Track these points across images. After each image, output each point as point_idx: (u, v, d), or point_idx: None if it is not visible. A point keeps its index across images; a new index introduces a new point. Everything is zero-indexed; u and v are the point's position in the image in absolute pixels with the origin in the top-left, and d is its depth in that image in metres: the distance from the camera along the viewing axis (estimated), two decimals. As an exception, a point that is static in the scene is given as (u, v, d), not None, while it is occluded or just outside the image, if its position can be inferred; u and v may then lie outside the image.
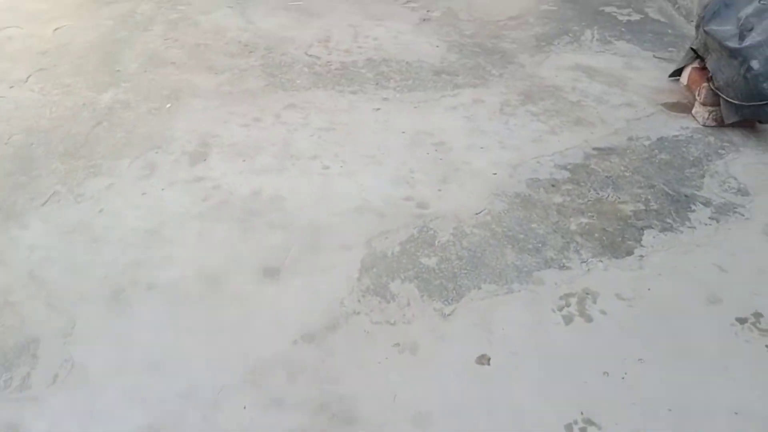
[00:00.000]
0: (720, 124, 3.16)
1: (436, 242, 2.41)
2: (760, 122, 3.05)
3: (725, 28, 3.02)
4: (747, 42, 2.87)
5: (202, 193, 2.65)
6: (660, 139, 3.09)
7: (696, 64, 3.40)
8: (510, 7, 4.66)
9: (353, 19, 4.35)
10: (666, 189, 2.72)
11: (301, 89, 3.46)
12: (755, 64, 2.83)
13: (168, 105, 3.27)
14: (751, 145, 3.04)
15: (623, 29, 4.31)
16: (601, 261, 2.33)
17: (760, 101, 2.87)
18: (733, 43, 2.93)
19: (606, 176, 2.81)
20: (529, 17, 4.50)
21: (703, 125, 3.19)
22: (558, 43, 4.09)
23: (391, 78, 3.59)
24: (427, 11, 4.53)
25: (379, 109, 3.29)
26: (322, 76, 3.59)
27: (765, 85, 2.83)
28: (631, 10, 4.66)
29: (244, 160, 2.86)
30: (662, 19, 4.49)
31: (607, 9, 4.66)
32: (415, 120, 3.20)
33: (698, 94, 3.21)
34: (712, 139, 3.09)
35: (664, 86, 3.57)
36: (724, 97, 3.02)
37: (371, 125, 3.16)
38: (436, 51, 3.94)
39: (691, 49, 3.36)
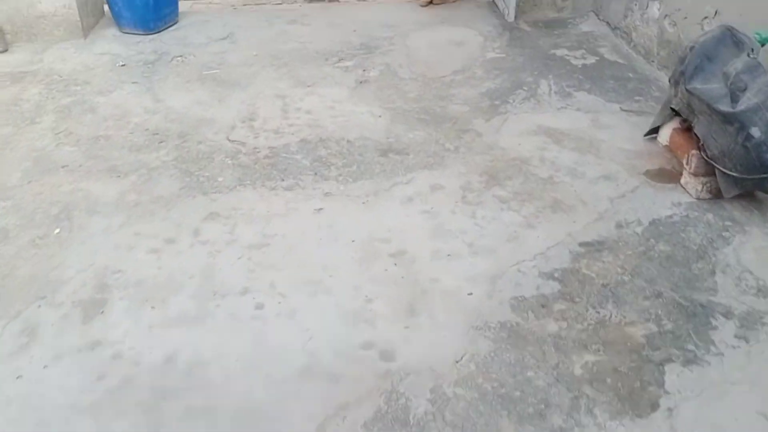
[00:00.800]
0: (716, 196, 2.74)
1: (411, 417, 1.85)
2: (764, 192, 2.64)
3: (712, 87, 2.61)
4: (743, 105, 2.45)
5: (97, 369, 2.01)
6: (653, 223, 2.64)
7: (676, 124, 2.99)
8: (453, 58, 4.19)
9: (281, 87, 3.79)
10: (676, 297, 2.26)
11: (225, 190, 2.86)
12: (756, 131, 2.41)
13: (57, 230, 2.62)
14: (756, 222, 2.63)
15: (580, 76, 3.90)
16: (623, 425, 1.82)
17: (765, 173, 2.45)
18: (725, 107, 2.52)
19: (602, 284, 2.33)
20: (475, 69, 4.04)
21: (697, 198, 2.76)
22: (513, 101, 3.63)
23: (331, 164, 3.04)
24: (363, 71, 4.01)
25: (321, 209, 2.73)
26: (249, 169, 3.00)
27: (770, 156, 2.41)
28: (584, 51, 4.27)
29: (153, 307, 2.24)
30: (620, 60, 4.11)
31: (558, 52, 4.26)
32: (365, 221, 2.65)
33: (687, 163, 2.78)
34: (710, 217, 2.66)
35: (641, 148, 3.15)
36: (720, 168, 2.60)
37: (313, 234, 2.59)
38: (380, 123, 3.41)
39: (672, 109, 2.94)
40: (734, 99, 2.48)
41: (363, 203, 2.77)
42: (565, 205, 2.75)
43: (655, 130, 3.16)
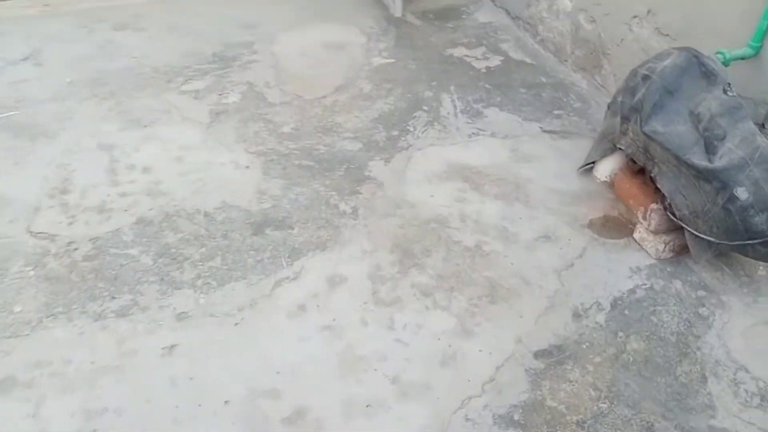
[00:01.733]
0: (679, 254, 2.21)
1: None
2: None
3: (677, 130, 2.03)
4: (724, 160, 1.89)
5: None
6: (616, 305, 2.06)
7: (622, 163, 2.42)
8: (332, 68, 3.39)
9: (107, 132, 2.81)
10: (671, 429, 1.69)
11: (24, 329, 1.94)
12: (742, 192, 1.87)
13: None
14: (730, 287, 2.13)
15: (487, 85, 3.25)
16: None
17: (751, 239, 1.92)
18: (699, 159, 1.95)
19: (577, 422, 1.72)
20: (362, 82, 3.26)
21: (658, 259, 2.21)
22: (414, 127, 2.92)
23: (184, 259, 2.18)
24: (220, 95, 3.11)
25: (173, 347, 1.89)
26: (62, 283, 2.08)
27: (758, 219, 1.88)
28: (485, 49, 3.61)
29: None
30: (528, 60, 3.50)
31: (456, 52, 3.57)
32: (241, 361, 1.86)
33: (645, 219, 2.22)
34: (679, 286, 2.13)
35: (576, 187, 2.56)
36: (691, 230, 2.05)
37: (165, 400, 1.76)
38: (248, 177, 2.57)
39: (616, 146, 2.36)
40: (710, 149, 1.92)
41: (235, 325, 1.96)
42: (503, 289, 2.11)
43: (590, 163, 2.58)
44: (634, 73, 2.18)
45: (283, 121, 2.95)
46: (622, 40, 2.93)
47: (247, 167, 2.64)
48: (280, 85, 3.22)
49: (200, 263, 2.17)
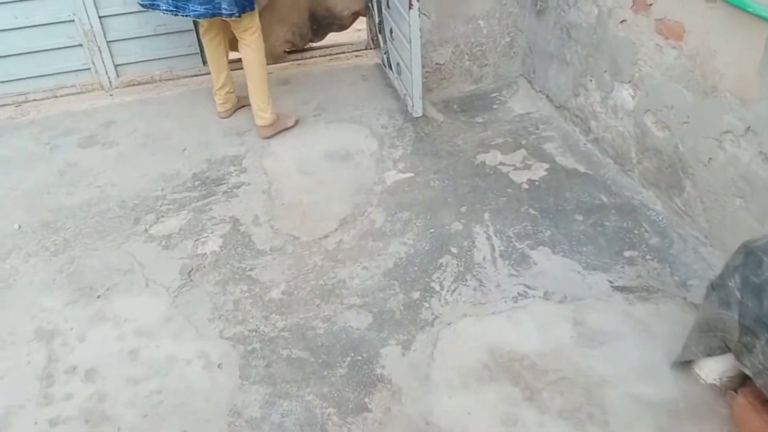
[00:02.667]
0: None
1: None
2: None
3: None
4: None
5: None
6: None
7: (743, 379, 1.70)
8: (337, 191, 2.75)
9: (49, 309, 2.22)
10: None
11: None
12: None
13: None
14: None
15: (532, 210, 2.57)
16: None
17: None
18: None
19: None
20: (372, 211, 2.61)
21: None
22: (441, 285, 2.25)
23: None
24: (196, 240, 2.49)
25: None
26: None
27: None
28: (525, 152, 2.93)
29: None
30: (581, 168, 2.81)
31: (489, 159, 2.90)
32: None
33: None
34: None
35: (670, 393, 1.85)
36: None
37: None
38: (221, 386, 1.93)
39: (728, 347, 1.64)
40: None
41: None
42: None
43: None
44: (758, 260, 1.47)
45: (272, 279, 2.30)
46: (711, 159, 2.22)
47: (220, 365, 1.99)
48: (271, 220, 2.59)
49: None
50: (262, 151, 3.01)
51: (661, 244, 2.36)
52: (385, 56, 3.36)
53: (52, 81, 3.36)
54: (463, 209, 2.61)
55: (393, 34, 3.07)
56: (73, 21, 3.20)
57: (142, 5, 2.71)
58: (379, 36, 3.35)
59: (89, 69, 3.36)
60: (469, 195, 2.68)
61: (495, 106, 3.27)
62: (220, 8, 2.59)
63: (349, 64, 3.77)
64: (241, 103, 3.25)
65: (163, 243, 2.49)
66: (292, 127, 3.10)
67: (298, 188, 2.77)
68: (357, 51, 3.82)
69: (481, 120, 3.17)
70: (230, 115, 3.23)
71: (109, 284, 2.31)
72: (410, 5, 2.67)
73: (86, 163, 2.96)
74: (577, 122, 2.99)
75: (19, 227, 2.59)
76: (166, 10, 2.64)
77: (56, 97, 3.41)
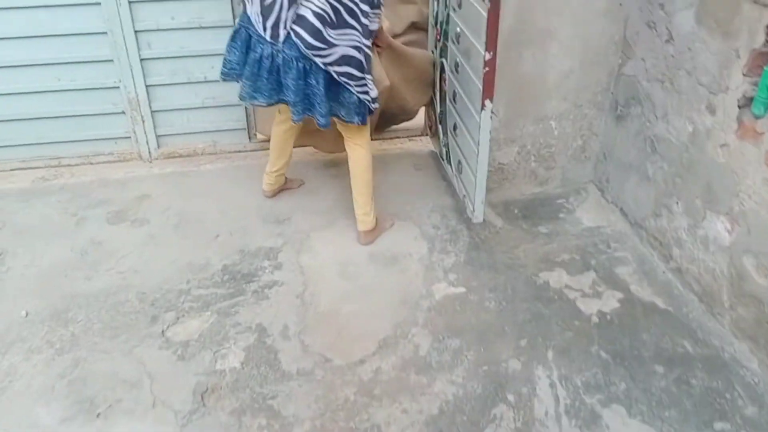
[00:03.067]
0: None
1: None
2: None
3: None
4: None
5: None
6: None
7: None
8: (378, 302, 2.44)
9: (43, 425, 1.93)
10: None
11: None
12: None
13: None
14: None
15: (603, 353, 2.21)
16: None
17: None
18: None
19: None
20: (416, 333, 2.30)
21: None
22: (494, 442, 1.88)
23: None
24: (215, 352, 2.20)
25: None
26: None
27: None
28: (594, 276, 2.58)
29: None
30: (659, 302, 2.44)
31: (553, 279, 2.57)
32: None
33: None
34: None
35: None
36: None
37: None
38: None
39: None
40: None
41: None
42: None
43: None
44: None
45: (296, 414, 1.98)
46: (832, 325, 1.84)
47: None
48: (303, 332, 2.29)
49: None
50: (300, 244, 2.74)
51: (759, 416, 1.96)
52: (444, 149, 3.09)
53: (89, 147, 3.19)
54: (523, 343, 2.26)
55: (457, 130, 2.80)
56: (118, 88, 3.04)
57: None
58: (439, 127, 3.09)
59: (129, 137, 3.19)
60: (529, 324, 2.34)
61: (561, 215, 2.94)
62: (338, 115, 2.44)
63: (402, 150, 3.52)
64: (287, 186, 3.02)
65: (179, 351, 2.20)
66: (388, 229, 2.84)
67: (337, 294, 2.47)
68: (411, 136, 3.58)
69: (545, 230, 2.85)
70: (274, 195, 3.00)
71: (112, 400, 2.02)
72: (482, 106, 2.40)
73: (112, 242, 2.73)
74: (656, 246, 2.63)
75: (27, 314, 2.35)
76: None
77: (91, 164, 3.23)
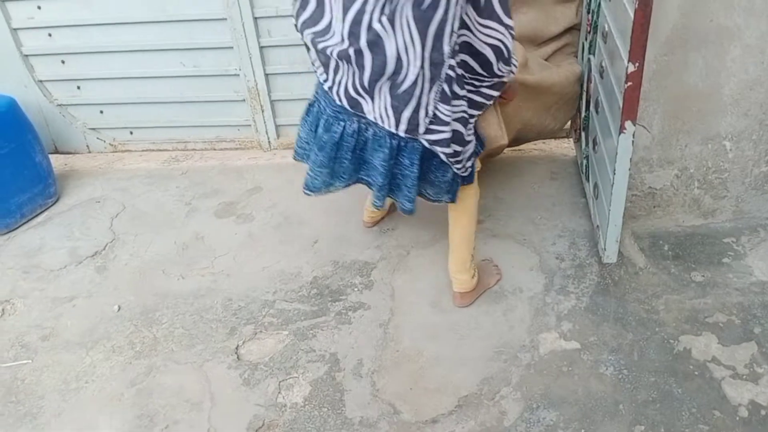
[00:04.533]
0: None
1: None
2: None
3: None
4: None
5: None
6: None
7: None
8: (469, 347, 2.11)
9: (98, 439, 1.93)
10: None
11: None
12: None
13: None
14: None
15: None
16: None
17: None
18: None
19: None
20: (507, 396, 1.94)
21: None
22: None
23: None
24: (281, 382, 2.04)
25: None
26: None
27: None
28: (755, 351, 2.00)
29: None
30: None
31: (697, 348, 2.05)
32: None
33: None
34: None
35: None
36: None
37: None
38: None
39: None
40: None
41: None
42: None
43: None
44: None
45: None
46: None
47: None
48: (376, 372, 2.05)
49: None
50: (398, 261, 2.47)
51: None
52: (584, 161, 2.60)
53: (213, 132, 3.17)
54: (638, 431, 1.80)
55: (596, 147, 2.31)
56: (238, 75, 2.95)
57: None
58: (582, 134, 2.59)
59: (250, 126, 3.11)
60: (652, 406, 1.86)
61: (726, 260, 2.33)
62: (424, 195, 2.05)
63: (540, 152, 3.05)
64: (391, 210, 2.69)
65: (246, 374, 2.08)
66: (493, 286, 2.32)
67: (423, 329, 2.18)
68: (554, 136, 3.08)
69: (700, 277, 2.27)
70: (375, 225, 2.67)
71: (170, 420, 1.96)
72: (622, 128, 1.91)
73: (214, 238, 2.68)
74: None
75: (119, 309, 2.38)
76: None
77: (214, 149, 3.22)
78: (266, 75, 2.93)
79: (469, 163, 1.94)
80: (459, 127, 1.80)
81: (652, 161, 2.33)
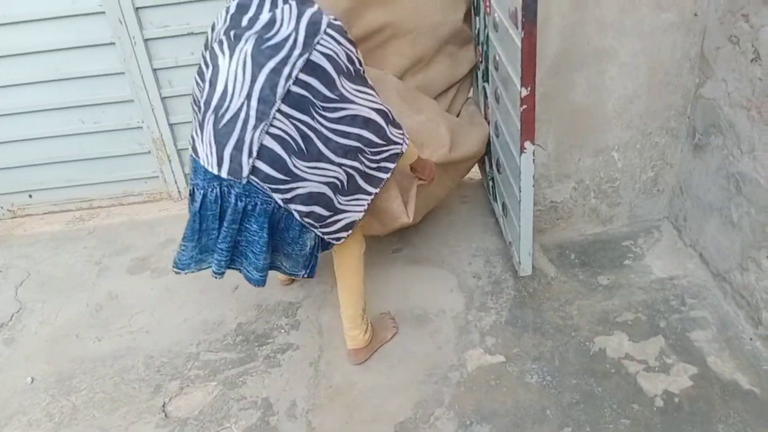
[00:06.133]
0: None
1: None
2: None
3: None
4: None
5: None
6: None
7: None
8: (401, 375, 2.14)
9: None
10: None
11: None
12: None
13: None
14: None
15: (668, 449, 1.78)
16: None
17: None
18: None
19: None
20: (439, 416, 1.98)
21: None
22: None
23: None
24: (215, 435, 1.98)
25: None
26: None
27: None
28: (662, 343, 2.15)
29: None
30: (743, 382, 1.98)
31: (611, 347, 2.16)
32: None
33: None
34: None
35: None
36: None
37: None
38: None
39: None
40: None
41: None
42: None
43: None
44: None
45: None
46: None
47: None
48: (311, 411, 2.03)
49: None
50: (323, 298, 2.49)
51: None
52: (490, 183, 2.73)
53: (119, 187, 3.09)
54: (566, 433, 1.88)
55: (500, 168, 2.43)
56: (141, 128, 2.91)
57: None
58: (485, 158, 2.72)
59: (158, 177, 3.05)
60: (577, 407, 1.95)
61: (627, 261, 2.50)
62: (279, 267, 2.00)
63: (449, 179, 3.17)
64: None
65: (176, 431, 2.00)
66: (389, 340, 2.25)
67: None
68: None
69: (605, 281, 2.42)
70: (293, 282, 2.63)
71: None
72: (522, 149, 2.03)
73: (129, 296, 2.59)
74: (742, 304, 2.15)
75: (32, 381, 2.24)
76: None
77: (122, 204, 3.13)
78: (170, 125, 2.91)
79: (343, 234, 1.89)
80: (326, 189, 1.76)
81: (551, 177, 2.48)
